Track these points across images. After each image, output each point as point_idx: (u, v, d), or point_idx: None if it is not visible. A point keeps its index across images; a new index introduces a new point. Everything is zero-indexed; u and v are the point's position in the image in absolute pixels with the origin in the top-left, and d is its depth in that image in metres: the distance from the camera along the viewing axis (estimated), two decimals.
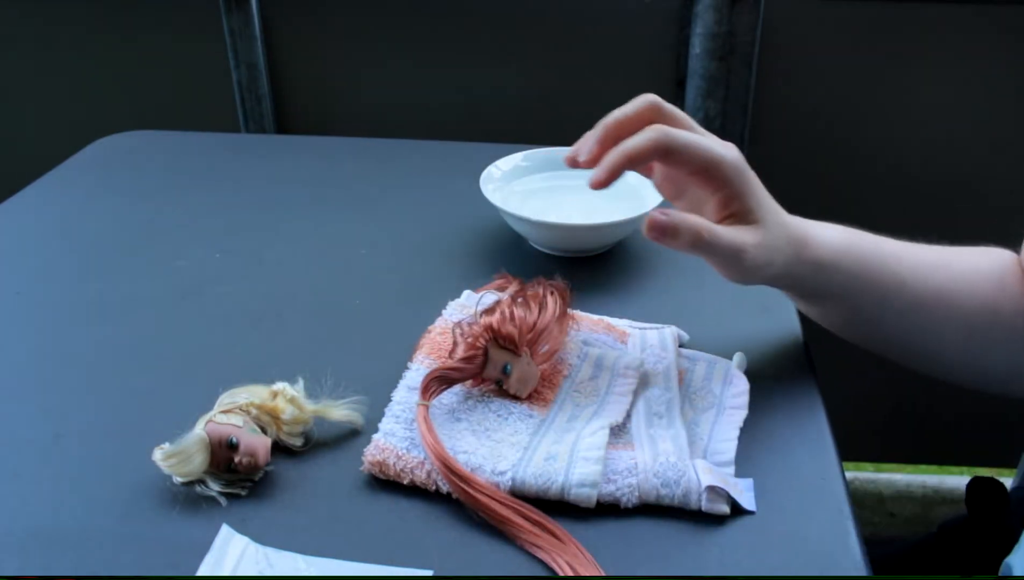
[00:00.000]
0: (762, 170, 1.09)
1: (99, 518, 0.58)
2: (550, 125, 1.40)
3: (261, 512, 0.58)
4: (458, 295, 0.80)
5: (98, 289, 0.85)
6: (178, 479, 0.60)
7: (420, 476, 0.59)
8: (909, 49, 1.31)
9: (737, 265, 0.62)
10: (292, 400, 0.64)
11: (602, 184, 0.61)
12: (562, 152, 0.98)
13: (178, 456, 0.59)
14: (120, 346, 0.77)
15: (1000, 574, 0.60)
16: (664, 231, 0.60)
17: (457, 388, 0.66)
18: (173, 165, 1.14)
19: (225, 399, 0.63)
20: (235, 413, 0.62)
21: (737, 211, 0.63)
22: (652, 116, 0.63)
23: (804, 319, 0.78)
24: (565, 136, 1.14)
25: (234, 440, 0.59)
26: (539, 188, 0.96)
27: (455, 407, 0.65)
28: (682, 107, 1.35)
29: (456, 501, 0.58)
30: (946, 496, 1.75)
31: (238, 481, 0.60)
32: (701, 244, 0.60)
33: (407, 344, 0.73)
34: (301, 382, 0.66)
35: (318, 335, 0.77)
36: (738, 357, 0.70)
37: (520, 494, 0.58)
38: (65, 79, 1.47)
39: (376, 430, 0.62)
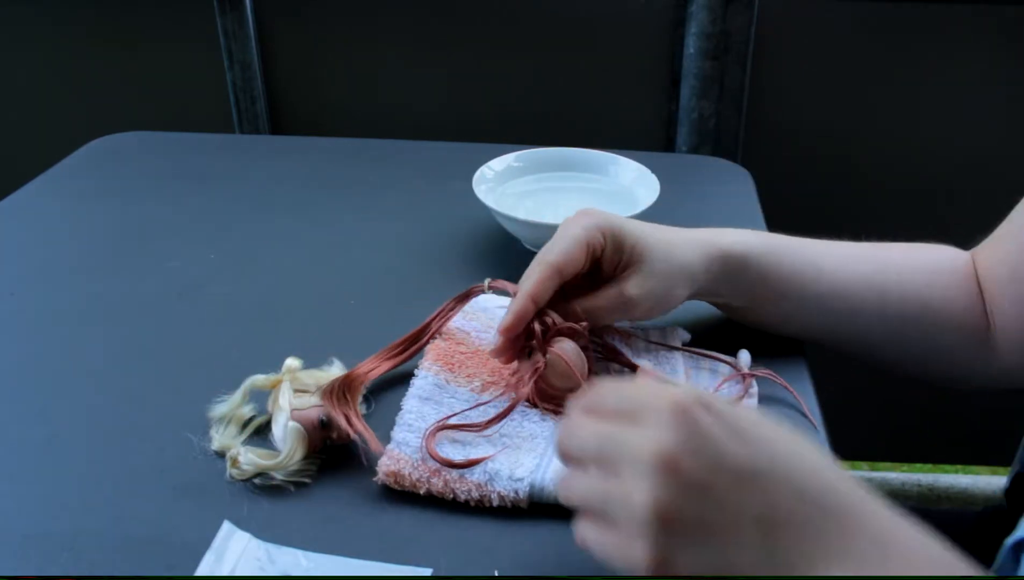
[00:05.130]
0: (757, 170, 1.10)
1: (96, 518, 0.58)
2: (543, 126, 1.41)
3: (262, 509, 0.58)
4: (452, 295, 0.80)
5: (92, 290, 0.85)
6: (237, 474, 0.60)
7: (437, 485, 0.58)
8: (905, 48, 1.31)
9: (635, 308, 0.67)
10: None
11: (510, 329, 0.65)
12: (555, 152, 0.99)
13: (287, 458, 0.60)
14: (115, 346, 0.77)
15: (1001, 554, 0.60)
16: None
17: (466, 394, 0.66)
18: (167, 166, 1.14)
19: (285, 387, 0.64)
20: (309, 393, 0.63)
21: (615, 267, 0.67)
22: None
23: None
24: (558, 137, 1.15)
25: (324, 419, 0.61)
26: (532, 189, 0.96)
27: (467, 413, 0.65)
28: (676, 107, 1.36)
29: (454, 500, 0.58)
30: (941, 494, 1.75)
31: (307, 468, 0.61)
32: (579, 315, 0.65)
33: None
34: (335, 360, 0.68)
35: (312, 336, 0.77)
36: (743, 355, 0.70)
37: (539, 500, 0.58)
38: (59, 81, 1.47)
39: (389, 439, 0.62)
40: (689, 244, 0.69)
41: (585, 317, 0.65)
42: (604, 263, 0.67)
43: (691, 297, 0.70)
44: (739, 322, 0.76)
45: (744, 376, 0.68)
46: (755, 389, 0.68)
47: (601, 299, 0.66)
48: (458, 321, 0.75)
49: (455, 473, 0.59)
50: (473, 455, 0.60)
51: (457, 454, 0.60)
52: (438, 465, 0.59)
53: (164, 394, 0.70)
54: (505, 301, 0.78)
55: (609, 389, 0.48)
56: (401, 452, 0.60)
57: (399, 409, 0.65)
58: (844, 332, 0.74)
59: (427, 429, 0.62)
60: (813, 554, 0.41)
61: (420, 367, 0.69)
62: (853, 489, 0.43)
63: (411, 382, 0.68)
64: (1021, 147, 1.35)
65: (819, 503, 0.42)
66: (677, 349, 0.71)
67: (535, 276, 0.65)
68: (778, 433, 0.45)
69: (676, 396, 0.44)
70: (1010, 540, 0.54)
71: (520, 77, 1.40)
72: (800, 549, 0.41)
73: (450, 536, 0.56)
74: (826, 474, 0.44)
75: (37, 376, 0.74)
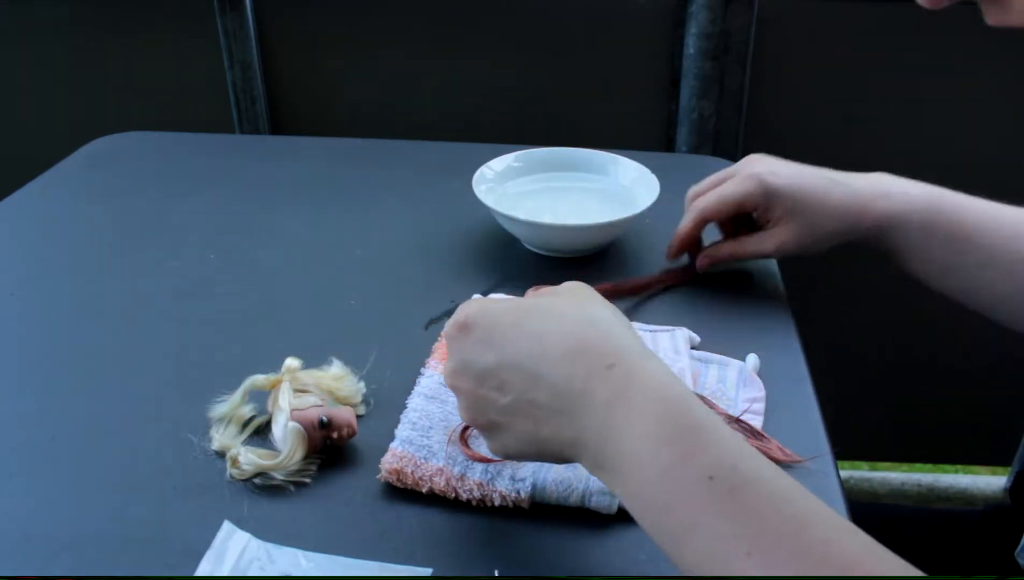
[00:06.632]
0: None
1: (96, 518, 0.58)
2: (543, 126, 1.40)
3: (262, 509, 0.58)
4: (452, 296, 0.80)
5: (93, 290, 0.85)
6: (237, 474, 0.61)
7: (439, 483, 0.59)
8: (904, 48, 1.31)
9: (782, 247, 0.78)
10: (342, 378, 0.67)
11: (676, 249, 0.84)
12: (555, 153, 0.99)
13: (287, 458, 0.60)
14: (115, 346, 0.77)
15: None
16: (710, 260, 0.82)
17: None
18: (167, 166, 1.14)
19: (285, 387, 0.64)
20: (309, 393, 0.63)
21: (772, 218, 0.78)
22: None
23: (800, 320, 0.78)
24: (558, 137, 1.14)
25: (324, 419, 0.61)
26: (532, 189, 0.96)
27: None
28: (676, 107, 1.36)
29: (455, 500, 0.58)
30: (940, 494, 1.75)
31: (307, 468, 0.61)
32: (738, 255, 0.82)
33: (401, 345, 0.73)
34: (335, 361, 0.68)
35: (312, 335, 0.77)
36: (752, 358, 0.70)
37: (540, 500, 0.58)
38: (60, 81, 1.47)
39: (393, 437, 0.62)
40: (844, 215, 0.76)
41: (734, 251, 0.81)
42: (759, 217, 0.79)
43: (838, 242, 0.78)
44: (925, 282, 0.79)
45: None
46: (763, 393, 0.67)
47: (748, 242, 0.80)
48: None
49: (457, 470, 0.59)
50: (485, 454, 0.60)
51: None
52: (440, 464, 0.59)
53: (164, 394, 0.70)
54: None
55: None
56: (404, 450, 0.60)
57: (403, 407, 0.65)
58: (987, 301, 0.76)
59: (458, 427, 0.62)
60: (572, 420, 0.48)
61: (426, 366, 0.70)
62: (595, 372, 0.48)
63: (417, 381, 0.68)
64: (1022, 147, 1.35)
65: (556, 388, 0.48)
66: (685, 352, 0.71)
67: (687, 223, 0.81)
68: (526, 327, 0.51)
69: (450, 322, 0.53)
70: None
71: (520, 77, 1.39)
72: (558, 420, 0.49)
73: (450, 536, 0.56)
74: (565, 360, 0.49)
75: (37, 376, 0.74)
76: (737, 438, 0.46)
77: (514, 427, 0.50)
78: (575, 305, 0.52)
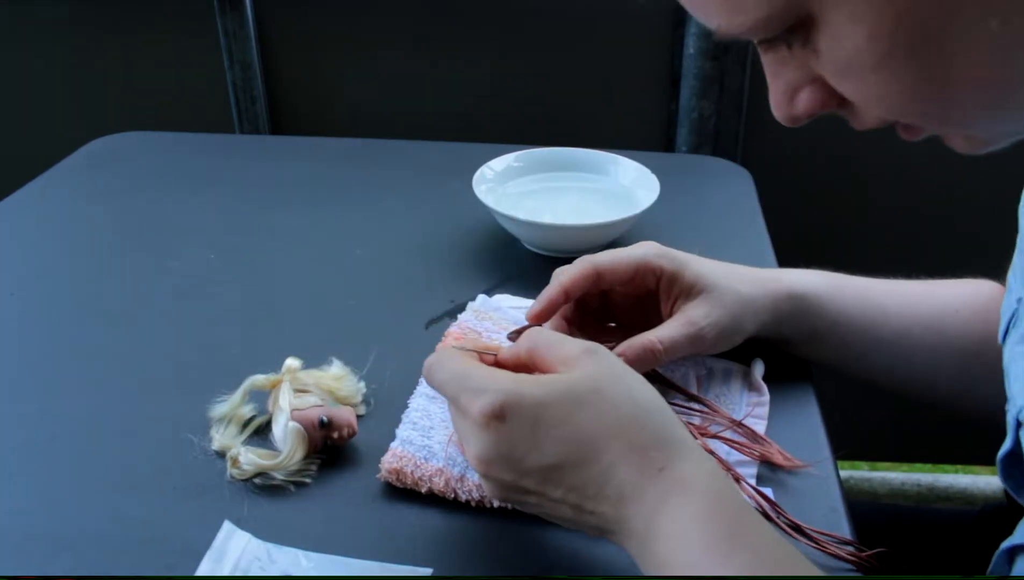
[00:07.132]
0: (757, 170, 1.10)
1: (96, 518, 0.58)
2: (543, 126, 1.40)
3: (262, 509, 0.58)
4: (452, 296, 0.80)
5: (93, 290, 0.85)
6: (237, 474, 0.61)
7: (438, 484, 0.59)
8: None
9: (703, 341, 0.65)
10: (342, 378, 0.67)
11: (538, 316, 0.65)
12: (555, 152, 0.99)
13: (287, 458, 0.60)
14: (115, 346, 0.77)
15: (995, 558, 0.60)
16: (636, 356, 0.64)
17: None
18: (167, 166, 1.14)
19: (285, 387, 0.64)
20: (309, 393, 0.63)
21: (679, 292, 0.66)
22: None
23: None
24: (558, 137, 1.14)
25: (324, 419, 0.61)
26: (532, 189, 0.96)
27: None
28: (676, 107, 1.36)
29: (455, 501, 0.58)
30: (940, 494, 1.75)
31: (307, 468, 0.61)
32: (659, 353, 0.63)
33: (401, 345, 0.73)
34: (335, 361, 0.68)
35: (312, 335, 0.77)
36: (756, 364, 0.70)
37: None
38: (60, 80, 1.47)
39: (394, 437, 0.62)
40: (754, 282, 0.69)
41: (665, 353, 0.64)
42: (661, 292, 0.67)
43: (754, 334, 0.69)
44: (798, 357, 0.74)
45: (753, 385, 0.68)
46: (766, 397, 0.68)
47: (674, 330, 0.65)
48: (471, 321, 0.74)
49: (457, 471, 0.59)
50: (460, 458, 0.60)
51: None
52: (440, 465, 0.59)
53: (164, 394, 0.70)
54: (519, 301, 0.78)
55: (440, 361, 0.54)
56: (405, 450, 0.60)
57: (403, 407, 0.65)
58: (906, 374, 0.73)
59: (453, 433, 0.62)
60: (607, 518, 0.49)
61: None
62: (638, 471, 0.48)
63: (420, 380, 0.68)
64: (1021, 145, 1.34)
65: (605, 492, 0.48)
66: (690, 356, 0.71)
67: (573, 270, 0.65)
68: (574, 427, 0.49)
69: (479, 408, 0.49)
70: (1005, 544, 0.55)
71: (520, 77, 1.39)
72: (602, 512, 0.49)
73: (450, 536, 0.56)
74: (617, 466, 0.48)
75: (37, 376, 0.74)
76: (777, 539, 0.47)
77: (552, 511, 0.51)
78: (622, 392, 0.50)
